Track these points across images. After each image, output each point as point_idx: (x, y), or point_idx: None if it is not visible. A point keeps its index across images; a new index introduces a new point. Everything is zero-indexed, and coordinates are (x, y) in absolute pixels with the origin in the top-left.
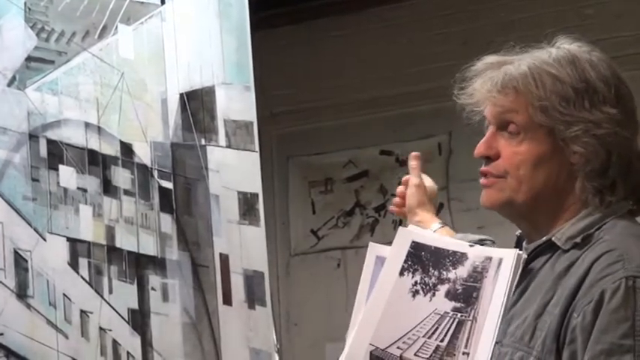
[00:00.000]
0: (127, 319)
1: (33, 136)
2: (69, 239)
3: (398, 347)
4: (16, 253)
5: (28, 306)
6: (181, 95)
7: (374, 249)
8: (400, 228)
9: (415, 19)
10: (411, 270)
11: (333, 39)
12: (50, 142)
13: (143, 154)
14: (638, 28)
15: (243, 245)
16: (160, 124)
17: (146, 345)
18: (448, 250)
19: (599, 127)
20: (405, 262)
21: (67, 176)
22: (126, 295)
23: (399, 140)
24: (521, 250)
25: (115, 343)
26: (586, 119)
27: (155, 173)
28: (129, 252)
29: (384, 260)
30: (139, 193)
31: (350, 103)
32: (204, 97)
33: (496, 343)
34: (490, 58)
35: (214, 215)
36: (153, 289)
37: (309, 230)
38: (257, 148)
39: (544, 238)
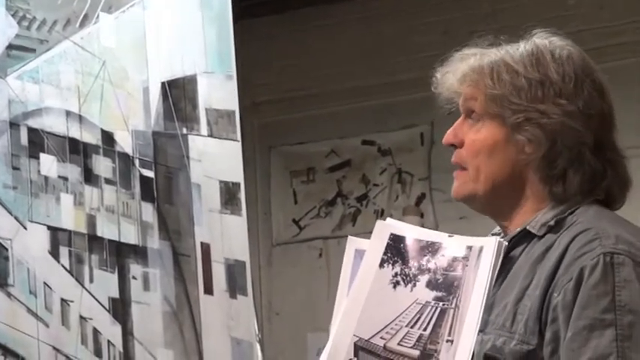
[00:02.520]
0: (107, 307)
1: (14, 125)
2: (50, 228)
3: (381, 337)
4: None
5: (9, 294)
6: (163, 84)
7: (353, 243)
8: (378, 221)
9: (398, 8)
10: (391, 262)
11: (315, 29)
12: (31, 131)
13: (124, 142)
14: (620, 18)
15: (225, 234)
16: (142, 112)
17: (127, 334)
18: (427, 241)
19: (546, 117)
20: (385, 254)
21: (48, 165)
22: (107, 283)
23: (382, 130)
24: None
25: (95, 331)
26: (534, 109)
27: (136, 162)
28: (110, 241)
29: (363, 253)
30: (120, 181)
31: (332, 93)
32: (186, 86)
33: (479, 331)
34: (465, 50)
35: (196, 204)
36: (134, 277)
37: (291, 220)
38: (239, 138)
39: (518, 229)
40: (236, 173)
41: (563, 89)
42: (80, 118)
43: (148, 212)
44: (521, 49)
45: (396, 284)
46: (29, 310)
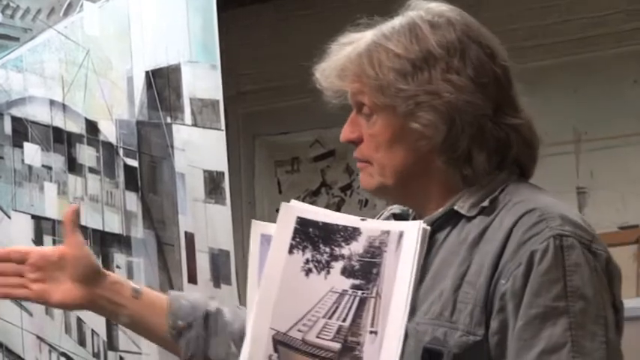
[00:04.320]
0: None
1: None
2: (33, 217)
3: (299, 330)
4: None
5: None
6: (147, 73)
7: (257, 227)
8: (283, 203)
9: None
10: (300, 247)
11: (299, 18)
12: (15, 120)
13: (108, 132)
14: (604, 9)
15: (209, 224)
16: (126, 102)
17: (111, 323)
18: (338, 225)
19: (438, 97)
20: (293, 239)
21: (32, 154)
22: None
23: None
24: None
25: (79, 321)
26: (424, 91)
27: (120, 151)
28: (94, 230)
29: (269, 239)
30: (104, 171)
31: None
32: (170, 76)
33: (409, 321)
34: (342, 39)
35: (180, 194)
36: (118, 267)
37: (275, 210)
38: (223, 127)
39: (441, 210)
40: (220, 163)
41: (449, 63)
42: (64, 107)
43: (132, 201)
44: (397, 26)
45: (308, 271)
46: (13, 299)
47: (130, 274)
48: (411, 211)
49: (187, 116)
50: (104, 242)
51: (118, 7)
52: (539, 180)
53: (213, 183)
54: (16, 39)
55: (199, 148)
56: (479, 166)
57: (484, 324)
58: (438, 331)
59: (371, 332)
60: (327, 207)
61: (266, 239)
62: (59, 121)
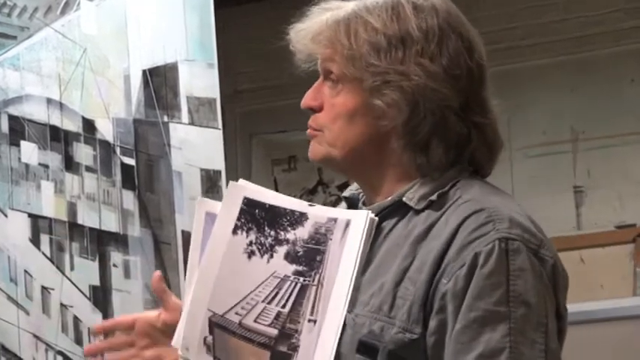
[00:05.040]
0: (88, 295)
1: None
2: (30, 215)
3: (236, 313)
4: None
5: None
6: (144, 72)
7: (203, 204)
8: (231, 182)
9: None
10: (245, 228)
11: (296, 16)
12: (12, 118)
13: (105, 130)
14: (600, 8)
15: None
16: (123, 100)
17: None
18: (285, 209)
19: (406, 78)
20: (238, 219)
21: (29, 152)
22: (87, 271)
23: None
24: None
25: (76, 319)
26: (394, 70)
27: (117, 150)
28: (91, 228)
29: (214, 218)
30: (101, 169)
31: (314, 81)
32: (167, 74)
33: (349, 312)
34: (323, 4)
35: (177, 192)
36: (114, 265)
37: None
38: (220, 126)
39: (389, 199)
40: (217, 161)
41: (425, 48)
42: (61, 106)
43: (129, 200)
44: (380, 2)
45: (250, 254)
46: (9, 298)
47: (127, 273)
48: (360, 195)
49: (184, 115)
50: (101, 241)
51: (115, 6)
52: (536, 179)
53: (210, 181)
54: (14, 37)
55: (196, 147)
56: (434, 157)
57: (422, 322)
58: (375, 325)
59: (309, 320)
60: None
61: (211, 218)
62: (56, 119)
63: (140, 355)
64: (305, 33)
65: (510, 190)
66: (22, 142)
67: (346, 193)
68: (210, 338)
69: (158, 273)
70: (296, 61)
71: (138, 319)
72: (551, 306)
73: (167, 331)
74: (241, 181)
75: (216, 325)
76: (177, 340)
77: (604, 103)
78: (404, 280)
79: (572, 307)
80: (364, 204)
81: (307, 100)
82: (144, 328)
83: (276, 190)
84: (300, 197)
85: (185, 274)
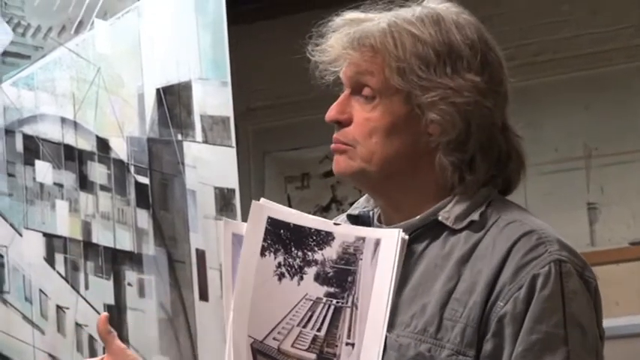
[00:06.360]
0: None
1: (9, 131)
2: (45, 235)
3: (274, 338)
4: None
5: (4, 301)
6: (158, 90)
7: (229, 226)
8: (253, 202)
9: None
10: (272, 250)
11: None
12: (26, 137)
13: (119, 149)
14: (613, 24)
15: (220, 241)
16: (137, 119)
17: (122, 341)
18: (310, 229)
19: (459, 94)
20: (264, 240)
21: (44, 171)
22: (102, 290)
23: None
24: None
25: (91, 338)
26: (446, 85)
27: (131, 168)
28: (105, 247)
29: (241, 239)
30: (116, 188)
31: (327, 99)
32: (180, 93)
33: (388, 332)
34: (349, 15)
35: (191, 211)
36: (129, 284)
37: None
38: (234, 144)
39: (418, 218)
40: (231, 179)
41: (471, 62)
42: (75, 125)
43: (144, 219)
44: (418, 13)
45: (281, 276)
46: (25, 317)
47: (142, 292)
48: (372, 213)
49: (198, 133)
50: (115, 260)
51: (129, 25)
52: (549, 196)
53: (224, 200)
54: (28, 57)
55: (210, 165)
56: (479, 174)
57: (475, 345)
58: (422, 347)
59: (347, 344)
60: None
61: (237, 239)
62: (70, 138)
63: None
64: (347, 40)
65: (524, 206)
66: (37, 162)
67: (353, 211)
68: None
69: (104, 315)
70: (311, 69)
71: None
72: (597, 328)
73: None
74: (263, 200)
75: (258, 351)
76: None
77: (617, 120)
78: (450, 302)
79: None
80: (379, 221)
81: (334, 113)
82: None
83: (290, 207)
84: (314, 214)
85: (198, 292)
